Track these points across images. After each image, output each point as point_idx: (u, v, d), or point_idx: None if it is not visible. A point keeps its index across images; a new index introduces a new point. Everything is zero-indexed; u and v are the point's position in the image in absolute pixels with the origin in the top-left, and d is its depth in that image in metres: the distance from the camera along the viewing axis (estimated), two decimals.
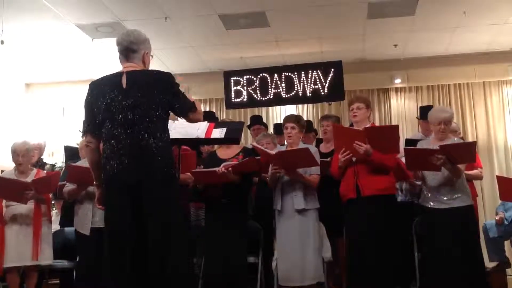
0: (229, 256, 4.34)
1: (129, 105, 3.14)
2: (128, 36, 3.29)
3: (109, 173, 3.14)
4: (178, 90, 3.27)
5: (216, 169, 4.28)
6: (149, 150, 3.10)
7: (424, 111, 6.15)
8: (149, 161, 3.10)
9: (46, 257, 4.71)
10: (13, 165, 5.85)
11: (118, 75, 3.24)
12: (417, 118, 6.54)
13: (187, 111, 3.28)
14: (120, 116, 3.14)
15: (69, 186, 4.70)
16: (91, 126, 3.26)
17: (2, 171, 4.99)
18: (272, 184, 4.62)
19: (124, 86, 3.18)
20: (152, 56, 3.40)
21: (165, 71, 3.38)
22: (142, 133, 3.11)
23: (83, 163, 4.74)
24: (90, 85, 3.32)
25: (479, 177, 5.18)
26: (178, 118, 3.52)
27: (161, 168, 3.12)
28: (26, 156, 4.84)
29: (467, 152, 4.22)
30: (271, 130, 7.86)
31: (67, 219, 5.26)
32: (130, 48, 3.27)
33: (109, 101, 3.17)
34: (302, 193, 4.48)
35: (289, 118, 4.73)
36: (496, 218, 5.89)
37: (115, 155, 3.12)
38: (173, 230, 3.10)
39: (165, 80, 3.24)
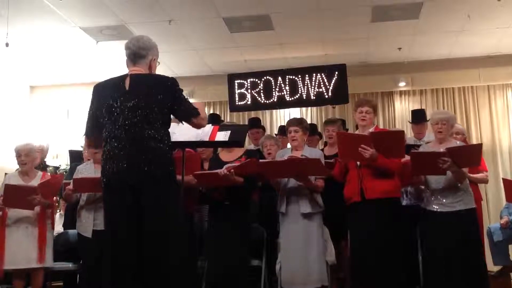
0: (230, 258, 4.33)
1: (130, 107, 3.18)
2: (138, 41, 3.35)
3: (109, 173, 3.18)
4: (181, 95, 3.31)
5: (218, 171, 4.28)
6: (149, 152, 3.14)
7: (415, 115, 6.18)
8: (148, 163, 3.13)
9: (49, 260, 4.72)
10: (16, 166, 5.86)
11: (122, 77, 3.29)
12: (409, 122, 6.54)
13: (190, 116, 3.31)
14: (122, 117, 3.18)
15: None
16: (93, 127, 3.33)
17: (6, 173, 4.96)
18: (277, 187, 4.63)
19: (127, 88, 3.22)
20: (158, 62, 3.45)
21: (169, 74, 3.43)
22: (142, 135, 3.15)
23: (87, 166, 4.78)
24: (94, 87, 3.37)
25: (485, 181, 5.17)
26: (183, 121, 3.54)
27: (161, 170, 3.16)
28: (29, 156, 4.83)
29: (473, 155, 4.20)
30: (273, 132, 7.89)
31: (70, 221, 5.27)
32: (138, 53, 3.32)
33: (111, 102, 3.22)
34: (308, 197, 4.48)
35: (291, 122, 4.74)
36: (501, 222, 5.88)
37: (116, 155, 3.16)
38: (171, 231, 3.14)
39: (169, 84, 3.28)
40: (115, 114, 3.20)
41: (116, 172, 3.14)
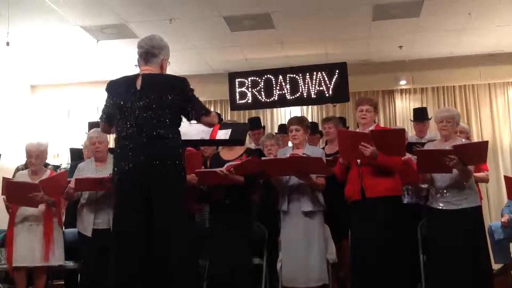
0: (232, 257, 4.33)
1: (141, 107, 3.25)
2: (150, 41, 3.44)
3: (121, 171, 3.25)
4: (192, 95, 3.41)
5: (218, 169, 4.28)
6: (160, 151, 3.21)
7: (417, 114, 6.17)
8: (159, 161, 3.20)
9: (56, 259, 4.71)
10: (17, 165, 5.84)
11: (134, 77, 3.36)
12: (411, 120, 6.53)
13: (201, 114, 3.41)
14: (133, 116, 3.25)
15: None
16: (107, 119, 3.44)
17: (3, 177, 4.93)
18: (278, 185, 4.62)
19: (138, 87, 3.29)
20: (169, 62, 3.53)
21: (170, 73, 3.50)
22: (153, 134, 3.22)
23: (88, 164, 4.79)
24: (107, 84, 3.46)
25: (486, 180, 5.16)
26: (184, 120, 3.58)
27: (171, 168, 3.23)
28: (39, 157, 4.83)
29: (479, 152, 4.19)
30: (273, 131, 7.88)
31: (70, 220, 5.26)
32: (150, 52, 3.41)
33: (122, 102, 3.30)
34: (310, 195, 4.48)
35: (292, 121, 4.75)
36: (503, 220, 5.87)
37: (127, 154, 3.23)
38: (180, 230, 3.19)
39: (180, 84, 3.37)
40: (127, 113, 3.27)
41: (128, 170, 3.21)
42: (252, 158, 4.37)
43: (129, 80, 3.34)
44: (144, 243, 3.17)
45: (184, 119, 3.54)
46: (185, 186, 3.42)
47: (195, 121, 3.52)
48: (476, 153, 4.20)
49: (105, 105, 3.45)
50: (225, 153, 4.66)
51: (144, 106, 3.24)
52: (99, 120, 3.58)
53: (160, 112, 3.25)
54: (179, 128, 3.49)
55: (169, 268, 3.13)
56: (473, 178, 4.33)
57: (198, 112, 3.39)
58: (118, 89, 3.35)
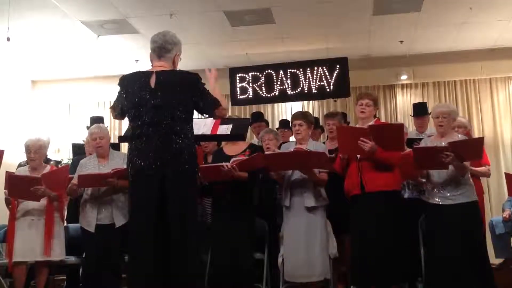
0: (235, 253, 4.34)
1: (156, 105, 3.30)
2: (164, 36, 3.50)
3: (136, 168, 3.31)
4: (204, 89, 3.45)
5: (223, 164, 4.28)
6: (175, 147, 3.27)
7: (416, 109, 6.17)
8: (174, 158, 3.27)
9: (57, 254, 4.71)
10: (18, 161, 5.84)
11: (148, 74, 3.39)
12: (411, 115, 6.53)
13: (213, 108, 3.45)
14: (147, 115, 3.31)
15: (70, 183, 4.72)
16: (120, 111, 3.49)
17: (6, 171, 4.93)
18: (281, 180, 4.63)
19: (153, 86, 3.34)
20: (180, 59, 3.57)
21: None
22: (168, 132, 3.28)
23: (90, 159, 4.79)
24: (120, 79, 3.49)
25: (487, 175, 5.16)
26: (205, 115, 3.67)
27: (186, 164, 3.30)
28: (38, 152, 4.83)
29: (475, 148, 4.20)
30: (274, 126, 7.88)
31: (72, 215, 5.27)
32: (164, 47, 3.46)
33: (137, 99, 3.34)
34: (313, 191, 4.48)
35: (296, 116, 4.74)
36: (504, 215, 5.88)
37: (143, 151, 3.29)
38: (193, 225, 3.29)
39: (193, 81, 3.41)
40: (141, 111, 3.32)
41: (144, 167, 3.27)
42: (258, 154, 4.37)
43: (143, 77, 3.38)
44: (158, 236, 3.23)
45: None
46: (198, 183, 3.52)
47: (206, 116, 3.62)
48: (472, 150, 4.20)
49: (118, 98, 3.49)
50: (228, 148, 4.66)
51: (159, 105, 3.29)
52: (110, 108, 3.63)
53: (174, 109, 3.30)
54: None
55: (187, 252, 3.22)
56: (469, 173, 4.33)
57: (210, 106, 3.45)
58: (132, 86, 3.39)
